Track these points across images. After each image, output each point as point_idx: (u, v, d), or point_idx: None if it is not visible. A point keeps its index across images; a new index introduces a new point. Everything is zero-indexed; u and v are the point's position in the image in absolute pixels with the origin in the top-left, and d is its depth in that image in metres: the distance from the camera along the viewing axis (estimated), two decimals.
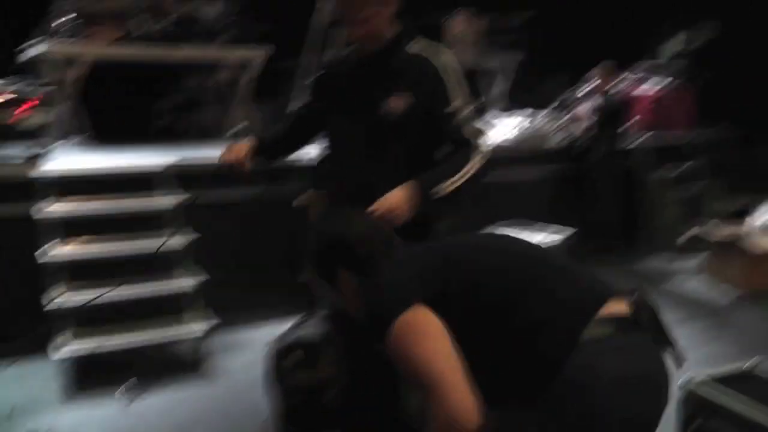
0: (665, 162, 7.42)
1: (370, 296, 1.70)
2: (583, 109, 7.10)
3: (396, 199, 2.33)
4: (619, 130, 6.97)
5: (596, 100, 6.96)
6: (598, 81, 7.04)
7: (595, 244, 6.17)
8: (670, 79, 8.17)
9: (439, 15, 8.00)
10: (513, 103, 8.04)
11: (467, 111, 2.52)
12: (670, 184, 7.34)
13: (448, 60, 2.55)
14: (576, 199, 6.94)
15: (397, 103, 2.46)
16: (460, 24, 8.13)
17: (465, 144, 2.50)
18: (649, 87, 8.02)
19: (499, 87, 8.27)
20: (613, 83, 7.05)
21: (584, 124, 6.97)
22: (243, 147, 2.74)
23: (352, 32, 2.50)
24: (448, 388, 1.40)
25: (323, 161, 2.71)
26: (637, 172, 7.28)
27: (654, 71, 8.26)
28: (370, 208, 2.30)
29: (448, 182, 2.39)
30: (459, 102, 2.51)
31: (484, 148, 2.50)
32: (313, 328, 2.44)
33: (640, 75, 8.19)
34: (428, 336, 1.48)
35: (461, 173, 2.41)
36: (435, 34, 8.07)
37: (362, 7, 2.44)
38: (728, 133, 8.01)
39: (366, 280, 1.77)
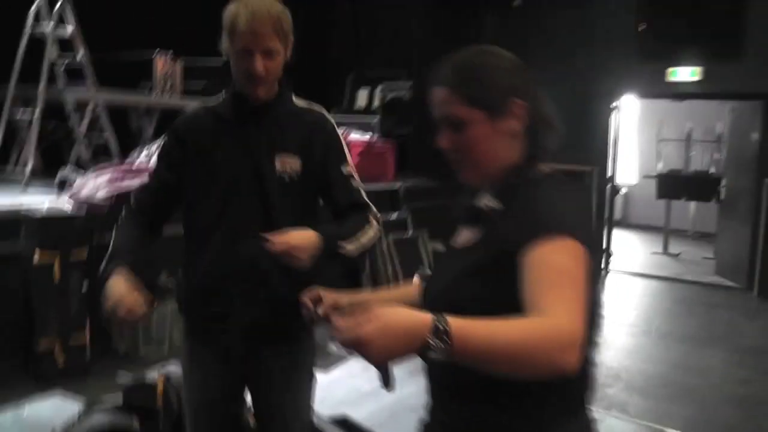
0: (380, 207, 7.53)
1: (549, 197, 1.44)
2: None
3: (303, 240, 2.04)
4: None
5: None
6: None
7: None
8: (370, 132, 8.50)
9: (139, 54, 7.49)
10: None
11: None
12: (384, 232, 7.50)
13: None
14: None
15: (290, 163, 2.17)
16: (163, 65, 7.67)
17: (365, 208, 2.29)
18: (355, 138, 8.20)
19: None
20: None
21: None
22: (131, 294, 1.97)
23: (249, 74, 2.09)
24: (580, 309, 1.27)
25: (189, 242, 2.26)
26: None
27: (351, 122, 8.51)
28: (272, 237, 2.01)
29: (353, 243, 2.17)
30: (351, 164, 2.30)
31: (378, 215, 2.31)
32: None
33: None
34: (579, 265, 1.33)
35: (368, 237, 2.22)
36: (138, 72, 7.59)
37: (271, 37, 2.07)
38: (427, 183, 8.43)
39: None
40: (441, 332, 1.16)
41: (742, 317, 7.40)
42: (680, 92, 9.09)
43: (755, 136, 8.67)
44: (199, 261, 2.19)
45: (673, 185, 11.36)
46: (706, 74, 8.64)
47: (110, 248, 2.15)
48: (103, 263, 2.09)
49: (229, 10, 2.09)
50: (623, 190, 12.97)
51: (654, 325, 6.85)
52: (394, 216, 7.83)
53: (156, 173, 2.28)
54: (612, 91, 9.24)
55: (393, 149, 8.70)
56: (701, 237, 12.69)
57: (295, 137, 2.19)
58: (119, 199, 4.94)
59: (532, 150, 1.54)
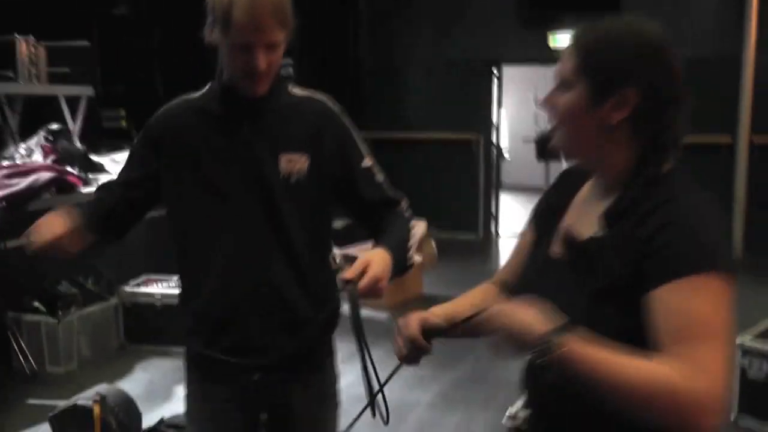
0: None
1: (697, 219, 1.28)
2: None
3: (384, 266, 1.74)
4: None
5: None
6: None
7: None
8: None
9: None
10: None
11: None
12: None
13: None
14: None
15: (296, 162, 1.89)
16: (25, 49, 6.98)
17: (396, 203, 2.02)
18: None
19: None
20: None
21: None
22: (57, 221, 1.84)
23: (250, 70, 1.80)
24: (724, 363, 1.19)
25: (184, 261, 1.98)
26: None
27: None
28: (351, 272, 1.69)
29: (412, 250, 1.93)
30: (368, 153, 2.03)
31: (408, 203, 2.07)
32: None
33: None
34: (724, 306, 1.23)
35: (417, 236, 1.99)
36: None
37: (273, 28, 1.76)
38: None
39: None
40: (548, 349, 1.14)
41: None
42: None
43: None
44: (203, 284, 1.90)
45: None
46: None
47: None
48: None
49: None
50: (507, 156, 13.24)
51: None
52: None
53: (123, 173, 2.01)
54: (493, 59, 9.29)
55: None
56: None
57: (300, 133, 1.92)
58: (11, 202, 4.40)
59: (653, 154, 1.37)
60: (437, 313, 1.58)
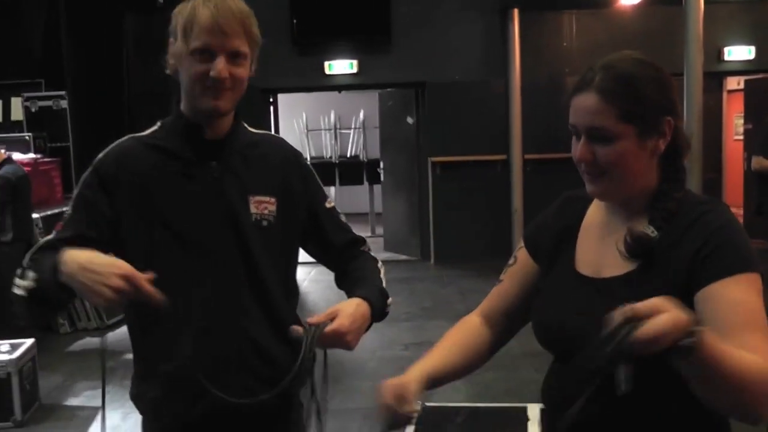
0: None
1: (733, 229, 1.40)
2: None
3: (352, 320, 1.66)
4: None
5: None
6: None
7: None
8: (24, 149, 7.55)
9: None
10: None
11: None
12: None
13: None
14: None
15: (265, 205, 1.79)
16: None
17: (360, 242, 1.97)
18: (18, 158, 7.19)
19: None
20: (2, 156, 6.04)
21: None
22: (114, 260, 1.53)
23: (208, 79, 1.68)
24: None
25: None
26: None
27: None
28: (317, 317, 1.62)
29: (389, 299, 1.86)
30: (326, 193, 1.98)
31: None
32: None
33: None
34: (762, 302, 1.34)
35: (383, 279, 1.90)
36: None
37: (238, 36, 1.68)
38: None
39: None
40: (697, 336, 1.16)
41: (437, 285, 8.09)
42: (339, 84, 9.55)
43: (410, 120, 9.46)
44: (177, 343, 1.70)
45: (325, 172, 11.95)
46: (361, 66, 9.18)
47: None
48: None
49: (183, 8, 1.67)
50: None
51: None
52: None
53: (73, 227, 1.71)
54: (270, 86, 9.31)
55: (57, 167, 7.81)
56: (346, 219, 13.56)
57: (267, 174, 1.82)
58: None
59: (674, 171, 1.48)
60: (414, 375, 1.56)
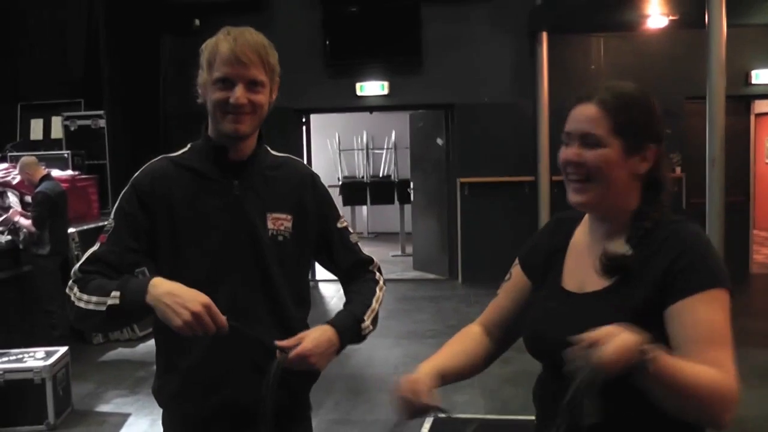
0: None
1: (704, 245, 1.52)
2: (12, 202, 6.25)
3: (316, 344, 1.82)
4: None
5: (34, 198, 6.12)
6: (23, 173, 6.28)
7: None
8: (62, 167, 7.82)
9: None
10: None
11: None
12: None
13: None
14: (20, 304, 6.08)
15: (282, 222, 1.95)
16: None
17: (367, 263, 2.11)
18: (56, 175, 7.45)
19: None
20: (42, 173, 6.29)
21: (22, 218, 6.08)
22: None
23: (229, 105, 1.85)
24: (733, 365, 1.43)
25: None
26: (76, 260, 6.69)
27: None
28: (286, 342, 1.78)
29: (370, 316, 1.99)
30: (341, 214, 2.14)
31: (378, 265, 2.16)
32: None
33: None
34: (729, 319, 1.47)
35: (378, 299, 2.04)
36: None
37: (257, 66, 1.85)
38: None
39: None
40: (646, 353, 1.30)
41: (463, 304, 8.16)
42: (370, 105, 9.72)
43: (440, 141, 9.59)
44: (194, 343, 1.84)
45: (357, 192, 12.12)
46: (392, 87, 9.35)
47: (103, 285, 1.77)
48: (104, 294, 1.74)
49: (209, 43, 1.85)
50: None
51: (392, 330, 7.23)
52: None
53: (117, 238, 1.86)
54: (303, 107, 9.51)
55: (94, 184, 8.07)
56: (376, 237, 13.74)
57: (285, 193, 1.98)
58: None
59: (654, 195, 1.59)
60: (427, 371, 1.67)
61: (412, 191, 10.51)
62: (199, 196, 1.89)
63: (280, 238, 1.93)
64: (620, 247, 1.55)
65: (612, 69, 8.87)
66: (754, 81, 9.11)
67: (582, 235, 1.69)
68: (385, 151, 13.56)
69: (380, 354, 6.24)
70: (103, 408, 5.12)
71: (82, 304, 1.77)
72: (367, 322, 1.96)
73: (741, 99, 9.13)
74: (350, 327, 1.92)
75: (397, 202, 11.85)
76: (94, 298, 1.76)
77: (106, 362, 6.33)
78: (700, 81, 6.50)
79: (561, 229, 1.75)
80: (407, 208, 11.14)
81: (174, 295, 1.66)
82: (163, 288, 1.68)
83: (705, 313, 1.44)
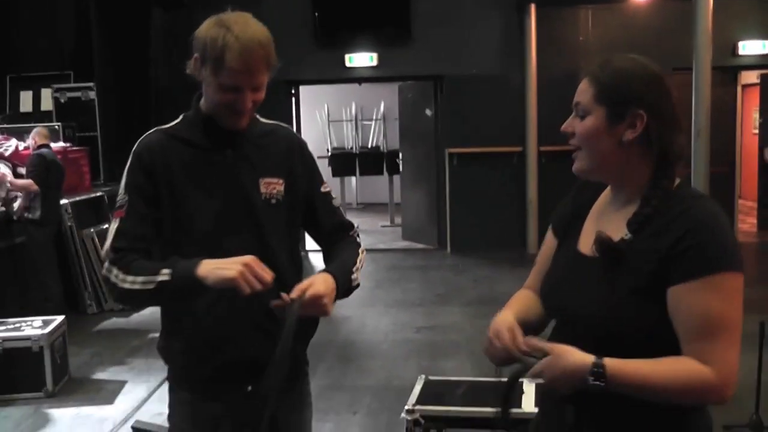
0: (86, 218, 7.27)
1: (713, 227, 1.52)
2: (5, 171, 6.32)
3: (326, 287, 1.90)
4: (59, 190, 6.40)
5: (30, 159, 6.20)
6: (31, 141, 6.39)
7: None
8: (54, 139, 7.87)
9: None
10: None
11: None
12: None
13: None
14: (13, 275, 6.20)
15: (274, 186, 2.04)
16: None
17: (350, 227, 2.20)
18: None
19: None
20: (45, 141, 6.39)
21: (18, 180, 6.21)
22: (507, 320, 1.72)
23: (235, 109, 1.92)
24: (737, 351, 1.49)
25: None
26: (70, 231, 6.95)
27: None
28: (295, 291, 1.85)
29: (358, 271, 2.09)
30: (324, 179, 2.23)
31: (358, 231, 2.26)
32: None
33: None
34: (737, 302, 1.51)
35: (362, 260, 2.14)
36: None
37: (262, 72, 1.89)
38: None
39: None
40: (599, 375, 1.44)
41: (452, 273, 8.30)
42: (359, 76, 9.77)
43: (429, 112, 9.66)
44: (195, 304, 1.95)
45: (346, 163, 12.18)
46: (381, 59, 9.40)
47: (149, 266, 1.87)
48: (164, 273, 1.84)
49: (213, 36, 1.86)
50: None
51: (381, 295, 7.35)
52: (106, 227, 7.30)
53: (135, 210, 1.95)
54: (292, 79, 9.53)
55: (86, 156, 8.11)
56: (365, 208, 13.85)
57: (275, 159, 2.07)
58: None
59: (663, 168, 1.59)
60: (510, 318, 1.70)
61: (401, 162, 10.59)
62: (194, 165, 1.98)
63: (273, 201, 2.02)
64: (621, 227, 1.58)
65: (600, 41, 8.95)
66: (740, 52, 9.20)
67: (604, 200, 1.73)
68: (373, 122, 13.60)
69: (370, 322, 6.37)
70: (100, 376, 5.23)
71: (127, 285, 1.86)
72: (356, 275, 2.06)
73: (728, 70, 9.23)
74: (344, 275, 2.00)
75: (386, 173, 11.93)
76: (140, 278, 1.85)
77: (101, 332, 6.44)
78: (687, 52, 6.59)
79: (585, 194, 1.78)
80: (396, 178, 11.22)
81: (222, 262, 1.79)
82: (210, 263, 1.80)
83: (701, 301, 1.46)
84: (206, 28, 1.89)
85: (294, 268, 2.11)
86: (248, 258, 1.78)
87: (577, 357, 1.46)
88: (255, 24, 1.90)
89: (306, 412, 2.23)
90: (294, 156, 2.11)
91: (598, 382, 1.43)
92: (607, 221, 1.65)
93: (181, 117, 2.06)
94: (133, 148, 2.02)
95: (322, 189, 2.17)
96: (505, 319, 1.67)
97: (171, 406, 2.11)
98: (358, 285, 2.08)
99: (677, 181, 1.61)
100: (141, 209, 1.94)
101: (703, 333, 1.46)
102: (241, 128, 1.98)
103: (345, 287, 2.00)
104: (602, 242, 1.58)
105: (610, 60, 1.63)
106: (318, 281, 1.89)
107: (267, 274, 1.78)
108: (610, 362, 1.44)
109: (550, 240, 1.86)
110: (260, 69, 1.87)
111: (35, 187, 6.09)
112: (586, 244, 1.68)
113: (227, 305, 1.94)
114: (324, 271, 1.97)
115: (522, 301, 1.85)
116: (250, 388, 2.01)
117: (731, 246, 1.51)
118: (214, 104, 1.95)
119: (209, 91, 1.94)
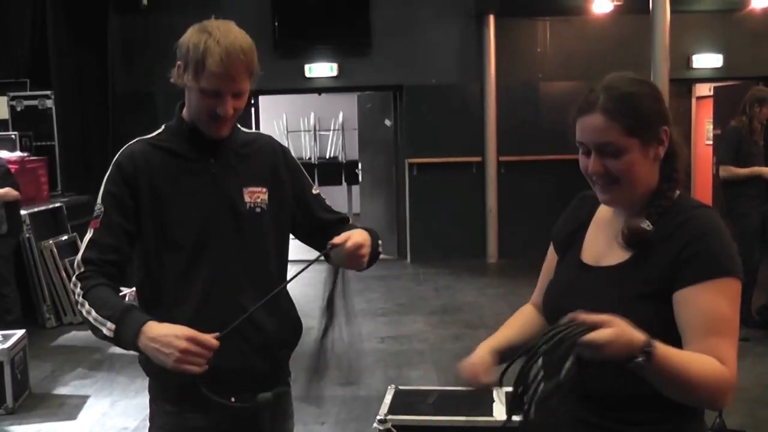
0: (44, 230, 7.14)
1: (717, 234, 1.57)
2: None
3: (363, 239, 1.94)
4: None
5: None
6: None
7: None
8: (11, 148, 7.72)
9: None
10: None
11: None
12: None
13: None
14: None
15: (258, 194, 2.05)
16: None
17: (347, 220, 2.22)
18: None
19: None
20: None
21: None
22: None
23: (216, 115, 1.93)
24: (735, 354, 1.53)
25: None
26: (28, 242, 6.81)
27: None
28: (337, 239, 1.90)
29: (380, 241, 2.11)
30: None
31: None
32: None
33: None
34: (738, 307, 1.57)
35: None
36: None
37: (243, 78, 1.91)
38: (89, 200, 7.90)
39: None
40: (648, 354, 1.39)
41: (413, 283, 8.34)
42: (318, 87, 9.79)
43: (388, 122, 9.72)
44: (178, 315, 1.94)
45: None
46: (341, 69, 9.43)
47: (102, 305, 1.87)
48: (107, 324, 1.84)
49: (195, 42, 1.89)
50: None
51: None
52: (65, 239, 7.18)
53: (109, 221, 1.95)
54: (251, 88, 9.46)
55: (44, 166, 7.97)
56: None
57: (258, 168, 2.08)
58: None
59: (671, 173, 1.65)
60: (484, 351, 1.79)
61: (360, 172, 10.63)
62: (178, 176, 1.99)
63: (258, 209, 2.04)
64: (641, 222, 1.61)
65: (557, 52, 9.11)
66: (695, 65, 9.44)
67: (604, 211, 1.75)
68: (332, 133, 13.64)
69: (334, 332, 6.32)
70: (61, 390, 5.14)
71: (84, 312, 1.88)
72: (380, 243, 2.09)
73: (683, 82, 9.48)
74: (375, 237, 2.04)
75: (344, 183, 11.96)
76: (93, 314, 1.87)
77: (62, 345, 6.32)
78: (643, 64, 6.75)
79: (584, 206, 1.81)
80: (355, 189, 11.26)
81: (158, 340, 1.79)
82: (152, 335, 1.80)
83: (709, 302, 1.50)
84: (189, 35, 1.92)
85: (281, 276, 2.12)
86: (187, 335, 1.78)
87: (634, 331, 1.41)
88: (237, 31, 1.93)
89: (288, 423, 2.25)
90: (278, 163, 2.13)
91: (642, 360, 1.39)
92: (612, 231, 1.68)
93: (162, 127, 2.07)
94: (115, 158, 2.02)
95: (313, 191, 2.20)
96: (477, 356, 1.78)
97: (152, 418, 2.10)
98: (379, 255, 2.10)
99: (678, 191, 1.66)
100: (115, 220, 1.95)
101: (715, 331, 1.50)
102: (224, 137, 1.99)
103: (375, 250, 2.03)
104: (633, 231, 1.60)
105: (612, 87, 1.61)
106: (356, 233, 1.94)
107: (208, 346, 1.80)
108: (658, 343, 1.41)
109: (551, 256, 1.89)
110: (241, 75, 1.89)
111: (16, 193, 6.00)
112: (590, 254, 1.73)
113: (209, 315, 1.95)
114: (361, 228, 2.02)
115: (518, 319, 1.91)
116: (233, 399, 2.01)
117: (735, 253, 1.57)
118: (195, 111, 1.96)
119: (191, 97, 1.96)
